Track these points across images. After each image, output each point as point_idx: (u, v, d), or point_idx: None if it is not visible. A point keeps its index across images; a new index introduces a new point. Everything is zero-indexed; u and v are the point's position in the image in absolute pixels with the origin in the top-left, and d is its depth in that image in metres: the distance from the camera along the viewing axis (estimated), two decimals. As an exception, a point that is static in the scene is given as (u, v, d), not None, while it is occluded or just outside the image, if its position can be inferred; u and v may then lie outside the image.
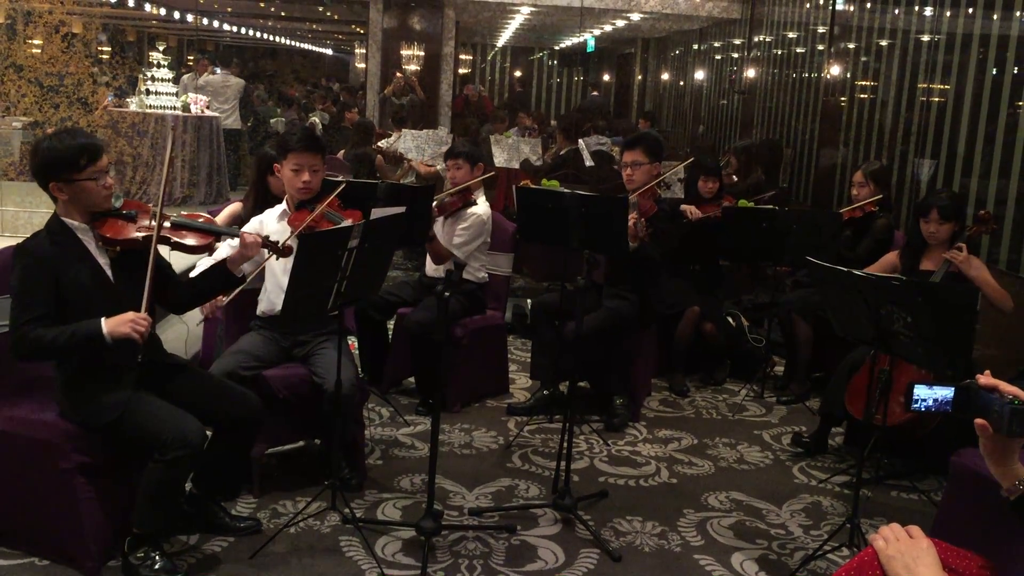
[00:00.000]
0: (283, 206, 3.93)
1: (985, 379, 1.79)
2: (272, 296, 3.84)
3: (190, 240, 3.23)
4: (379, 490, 3.87)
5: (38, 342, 2.91)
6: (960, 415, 1.79)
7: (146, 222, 3.14)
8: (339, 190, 3.75)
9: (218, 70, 12.84)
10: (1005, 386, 1.77)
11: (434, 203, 4.73)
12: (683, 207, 5.59)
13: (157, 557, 3.02)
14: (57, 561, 3.11)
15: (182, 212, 3.37)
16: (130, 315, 2.93)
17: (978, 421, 1.78)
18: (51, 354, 3.02)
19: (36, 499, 3.11)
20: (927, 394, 1.78)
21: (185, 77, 12.06)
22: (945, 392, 1.78)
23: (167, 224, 3.17)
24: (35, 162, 3.03)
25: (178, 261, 3.51)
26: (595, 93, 17.93)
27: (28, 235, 3.08)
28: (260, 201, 4.33)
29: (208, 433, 3.19)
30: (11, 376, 3.21)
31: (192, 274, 3.56)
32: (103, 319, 2.91)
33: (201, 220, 3.31)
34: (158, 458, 2.96)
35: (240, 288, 3.41)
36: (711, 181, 5.77)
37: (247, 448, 3.44)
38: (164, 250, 3.17)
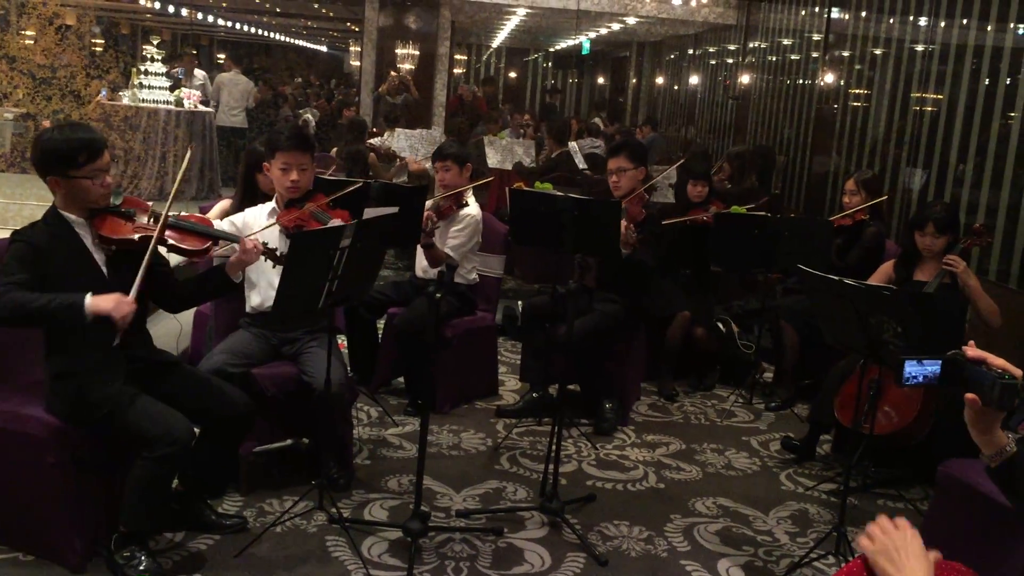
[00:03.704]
0: (272, 204, 3.92)
1: (972, 351, 1.79)
2: (263, 293, 3.83)
3: (188, 244, 3.20)
4: (366, 490, 3.85)
5: (16, 303, 2.80)
6: (948, 388, 1.79)
7: (144, 221, 3.11)
8: (348, 190, 3.78)
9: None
10: (993, 358, 1.78)
11: (427, 207, 4.72)
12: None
13: (143, 557, 3.00)
14: (42, 556, 3.09)
15: (182, 213, 3.34)
16: (116, 296, 2.86)
17: (968, 396, 1.78)
18: (28, 318, 2.86)
19: (21, 494, 3.08)
20: (917, 370, 1.78)
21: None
22: (933, 366, 1.78)
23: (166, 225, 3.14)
24: (35, 153, 2.99)
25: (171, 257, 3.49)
26: (550, 100, 18.98)
27: (17, 227, 3.05)
28: (248, 197, 4.31)
29: (196, 430, 3.17)
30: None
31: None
32: (89, 293, 2.83)
33: (200, 223, 3.29)
34: (145, 455, 2.95)
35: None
36: (700, 185, 5.79)
37: (235, 446, 3.43)
38: (161, 249, 3.14)
